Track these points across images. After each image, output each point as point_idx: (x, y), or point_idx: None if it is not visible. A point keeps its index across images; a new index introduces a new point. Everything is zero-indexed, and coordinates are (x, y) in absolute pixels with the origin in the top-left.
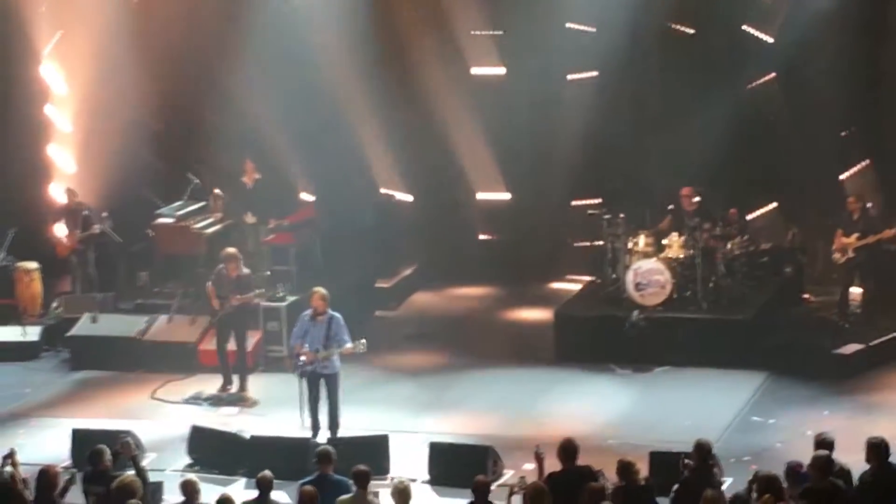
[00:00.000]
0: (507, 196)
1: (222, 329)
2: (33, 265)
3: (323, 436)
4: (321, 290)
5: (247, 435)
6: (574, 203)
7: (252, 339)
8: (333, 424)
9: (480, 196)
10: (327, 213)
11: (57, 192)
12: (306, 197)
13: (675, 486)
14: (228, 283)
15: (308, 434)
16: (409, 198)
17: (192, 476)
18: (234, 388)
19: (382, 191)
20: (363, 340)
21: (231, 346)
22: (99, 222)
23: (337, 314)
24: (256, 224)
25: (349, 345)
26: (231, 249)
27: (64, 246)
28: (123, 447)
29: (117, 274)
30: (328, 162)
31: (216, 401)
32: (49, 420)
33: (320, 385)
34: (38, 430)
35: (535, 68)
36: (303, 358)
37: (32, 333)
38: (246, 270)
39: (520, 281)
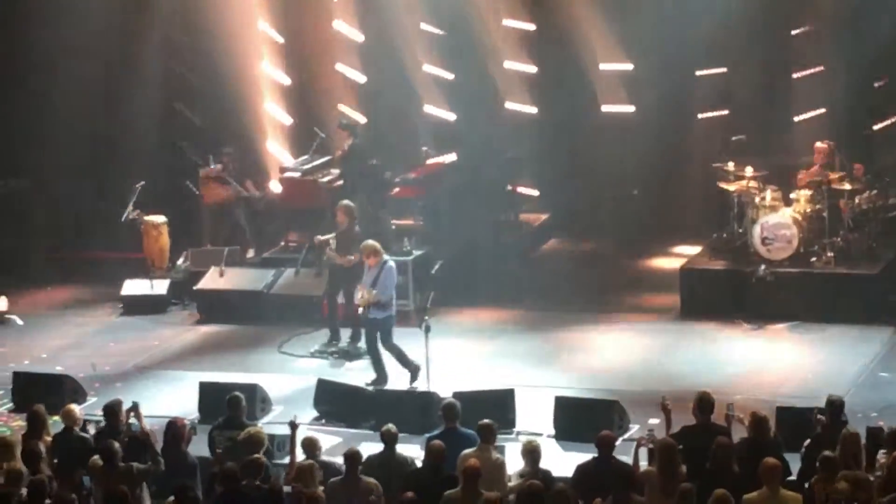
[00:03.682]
0: (639, 149)
1: (332, 281)
2: (161, 219)
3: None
4: (369, 243)
5: (372, 388)
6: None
7: None
8: (413, 373)
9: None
10: (454, 167)
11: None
12: (432, 150)
13: (807, 442)
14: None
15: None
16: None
17: (312, 434)
18: (342, 342)
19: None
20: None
21: (341, 298)
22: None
23: (391, 263)
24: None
25: (374, 291)
26: (345, 201)
27: (219, 198)
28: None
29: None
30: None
31: (343, 354)
32: (176, 373)
33: (376, 333)
34: (166, 383)
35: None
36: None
37: (160, 287)
38: (356, 229)
39: (647, 235)
